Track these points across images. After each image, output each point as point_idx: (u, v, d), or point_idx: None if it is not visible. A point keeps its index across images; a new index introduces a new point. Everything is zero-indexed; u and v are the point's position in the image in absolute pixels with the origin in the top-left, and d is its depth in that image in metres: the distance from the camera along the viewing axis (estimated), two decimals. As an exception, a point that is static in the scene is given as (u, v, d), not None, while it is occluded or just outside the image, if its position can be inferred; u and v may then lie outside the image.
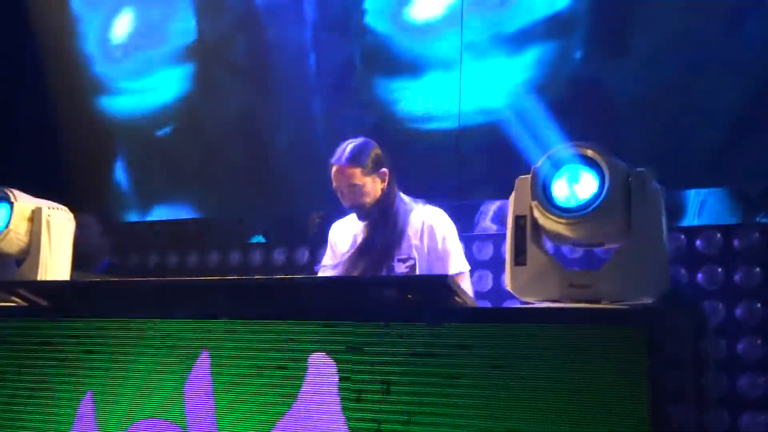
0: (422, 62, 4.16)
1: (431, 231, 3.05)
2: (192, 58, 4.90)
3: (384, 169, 3.09)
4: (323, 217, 4.05)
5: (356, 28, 4.37)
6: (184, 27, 4.94)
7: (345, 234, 3.25)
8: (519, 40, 3.89)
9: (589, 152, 1.99)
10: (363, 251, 3.10)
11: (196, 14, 4.93)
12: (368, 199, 3.06)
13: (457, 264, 3.07)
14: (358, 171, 3.05)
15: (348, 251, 3.18)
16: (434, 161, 3.67)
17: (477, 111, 3.96)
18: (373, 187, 3.06)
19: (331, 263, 3.26)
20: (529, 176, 2.04)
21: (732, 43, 3.46)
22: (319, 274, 3.31)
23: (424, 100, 3.98)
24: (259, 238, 4.42)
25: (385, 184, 3.09)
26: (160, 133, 4.94)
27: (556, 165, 2.02)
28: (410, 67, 4.16)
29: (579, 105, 3.72)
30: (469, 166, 3.92)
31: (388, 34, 4.28)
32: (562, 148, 2.02)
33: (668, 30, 3.58)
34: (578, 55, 3.78)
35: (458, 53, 4.01)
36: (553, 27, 3.84)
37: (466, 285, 3.10)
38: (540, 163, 2.03)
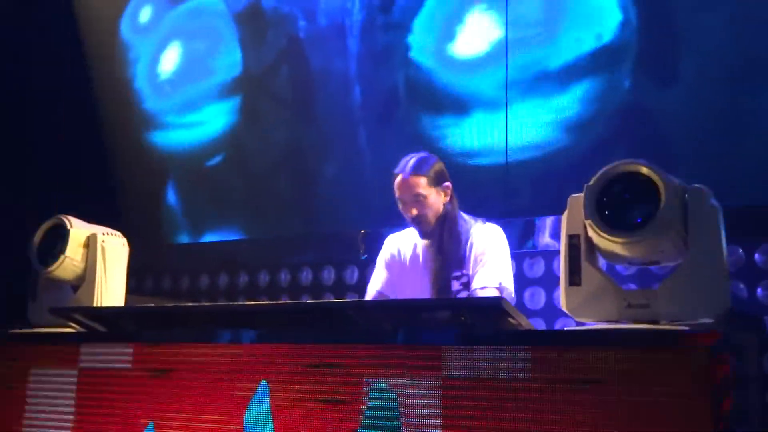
0: (467, 99, 4.15)
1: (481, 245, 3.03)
2: (238, 91, 4.97)
3: (447, 183, 3.07)
4: (369, 233, 4.06)
5: (400, 61, 4.39)
6: (229, 60, 5.01)
7: (406, 244, 3.22)
8: (565, 75, 3.86)
9: (644, 169, 1.95)
10: (426, 267, 3.07)
11: (241, 47, 4.99)
12: (431, 212, 3.03)
13: (484, 278, 2.98)
14: (422, 181, 3.03)
15: (409, 263, 3.15)
16: (482, 194, 3.65)
17: (524, 146, 3.94)
18: (436, 199, 3.04)
19: (384, 277, 3.23)
20: (581, 194, 2.01)
21: None
22: (370, 293, 3.28)
23: (470, 136, 3.95)
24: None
25: (448, 198, 3.07)
26: (209, 163, 5.01)
27: (609, 183, 1.98)
28: (455, 105, 4.15)
29: (628, 135, 3.68)
30: (517, 198, 3.89)
31: (432, 69, 4.28)
32: (616, 165, 1.99)
33: (715, 54, 3.52)
34: (626, 85, 3.74)
35: (503, 90, 4.00)
36: (599, 60, 3.80)
37: None
38: (593, 180, 1.99)
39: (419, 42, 4.36)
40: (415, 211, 3.03)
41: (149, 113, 5.32)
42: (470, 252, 3.01)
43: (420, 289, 3.06)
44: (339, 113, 4.59)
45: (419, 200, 3.01)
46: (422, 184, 3.02)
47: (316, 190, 4.62)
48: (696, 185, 1.94)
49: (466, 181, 3.18)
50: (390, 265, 3.22)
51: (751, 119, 3.42)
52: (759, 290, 3.10)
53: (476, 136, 4.07)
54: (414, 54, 4.37)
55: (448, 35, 4.26)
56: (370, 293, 3.27)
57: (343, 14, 4.62)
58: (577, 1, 3.93)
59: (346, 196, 4.45)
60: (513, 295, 3.04)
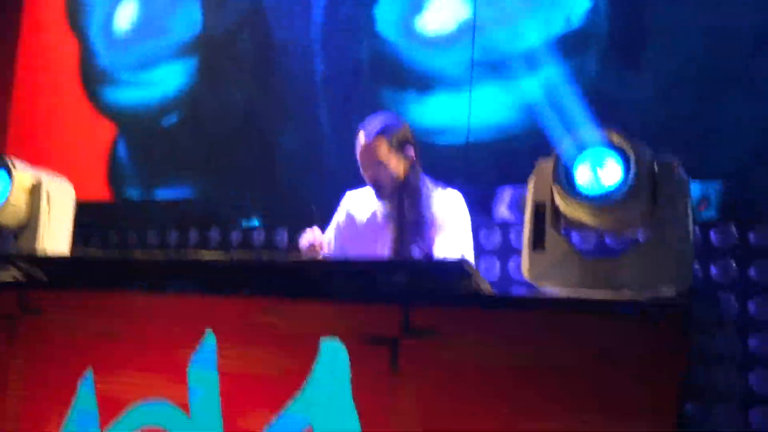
0: (431, 77, 4.08)
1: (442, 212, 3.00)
2: (196, 51, 4.84)
3: (411, 149, 3.02)
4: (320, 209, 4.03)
5: (365, 34, 4.30)
6: (188, 20, 4.87)
7: (364, 204, 3.16)
8: (531, 58, 3.82)
9: (615, 137, 1.92)
10: (384, 230, 3.02)
11: (201, 7, 4.85)
12: (390, 178, 2.98)
13: (444, 245, 2.93)
14: (384, 144, 2.97)
15: (366, 223, 3.10)
16: (441, 174, 3.60)
17: (486, 127, 3.90)
18: (397, 165, 2.98)
19: (330, 241, 3.18)
20: (550, 160, 1.97)
21: (750, 66, 3.39)
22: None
23: (431, 114, 3.89)
24: (254, 222, 4.35)
25: (410, 164, 3.01)
26: (163, 122, 4.88)
27: (580, 148, 1.94)
28: (418, 82, 4.08)
29: (593, 121, 3.65)
30: (477, 181, 3.85)
31: (398, 44, 4.20)
32: (587, 132, 1.95)
33: (683, 43, 3.51)
34: (592, 71, 3.71)
35: (468, 70, 3.94)
36: (567, 45, 3.76)
37: None
38: (563, 146, 1.95)
39: (385, 15, 4.28)
40: (373, 175, 2.98)
41: (102, 68, 5.15)
42: (430, 218, 2.98)
43: (374, 250, 3.02)
44: (300, 83, 4.49)
45: (380, 164, 2.96)
46: (383, 148, 2.96)
47: (273, 159, 4.53)
48: (666, 155, 1.91)
49: (425, 159, 3.13)
50: (343, 226, 3.17)
51: (716, 107, 3.42)
52: (713, 269, 3.12)
53: (438, 114, 4.02)
54: (379, 27, 4.29)
55: (415, 10, 4.19)
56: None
57: (309, -18, 4.51)
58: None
59: (304, 164, 4.38)
60: (472, 262, 3.02)
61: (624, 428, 1.58)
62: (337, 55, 4.39)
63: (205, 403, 1.96)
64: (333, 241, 3.18)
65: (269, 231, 4.26)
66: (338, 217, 3.21)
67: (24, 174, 2.75)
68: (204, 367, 1.97)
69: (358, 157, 3.01)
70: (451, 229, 2.95)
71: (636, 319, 1.64)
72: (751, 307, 3.03)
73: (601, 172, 1.91)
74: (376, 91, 4.23)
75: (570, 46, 3.75)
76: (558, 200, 1.96)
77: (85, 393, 2.12)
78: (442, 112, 4.01)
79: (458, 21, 4.04)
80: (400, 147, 2.99)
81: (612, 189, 1.88)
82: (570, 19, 3.77)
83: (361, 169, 3.02)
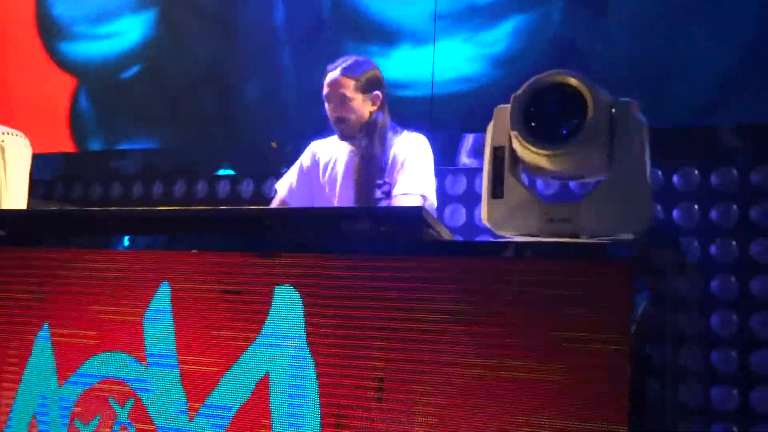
0: (394, 30, 4.02)
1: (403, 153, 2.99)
2: (155, 2, 4.71)
3: (377, 92, 3.03)
4: (280, 144, 4.02)
5: None
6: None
7: (328, 151, 3.15)
8: (496, 8, 3.77)
9: (573, 80, 1.89)
10: (348, 174, 3.02)
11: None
12: (353, 117, 2.99)
13: (406, 185, 2.94)
14: (351, 83, 3.00)
15: (330, 171, 3.09)
16: (405, 126, 3.58)
17: (451, 80, 3.85)
18: (362, 105, 3.00)
19: (291, 185, 3.17)
20: (508, 106, 1.94)
21: (715, 7, 3.36)
22: (279, 191, 3.23)
23: (395, 68, 3.84)
24: (228, 171, 4.31)
25: (376, 108, 3.02)
26: (124, 74, 4.78)
27: (538, 93, 1.92)
28: (381, 35, 4.02)
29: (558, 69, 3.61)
30: (443, 130, 3.82)
31: None
32: (544, 76, 1.93)
33: None
34: (557, 19, 3.67)
35: (431, 23, 3.88)
36: None
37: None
38: (520, 90, 1.93)
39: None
40: (337, 112, 2.97)
41: (59, 21, 5.01)
42: (393, 159, 2.97)
43: (338, 197, 3.02)
44: (262, 32, 4.43)
45: (344, 102, 2.98)
46: (350, 86, 2.98)
47: (238, 108, 4.47)
48: (623, 99, 1.89)
49: (389, 112, 3.11)
50: (306, 172, 3.18)
51: (683, 49, 3.41)
52: (675, 212, 3.14)
53: (402, 67, 3.97)
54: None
55: None
56: (275, 200, 3.23)
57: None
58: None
59: (267, 114, 4.33)
60: (435, 205, 3.02)
61: (578, 371, 1.59)
62: (299, 3, 4.31)
63: (162, 354, 1.95)
64: (294, 183, 3.18)
65: (234, 182, 4.22)
66: (303, 160, 3.20)
67: (-24, 128, 2.69)
68: (159, 318, 1.96)
69: (324, 93, 3.01)
70: (412, 168, 2.95)
71: (585, 262, 1.63)
72: (713, 250, 3.06)
73: (558, 115, 1.89)
74: (338, 42, 4.17)
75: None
76: (516, 145, 1.94)
77: (42, 347, 2.10)
78: (406, 66, 3.96)
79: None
80: (366, 88, 3.01)
81: (568, 132, 1.86)
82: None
83: (326, 106, 3.02)
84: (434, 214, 3.06)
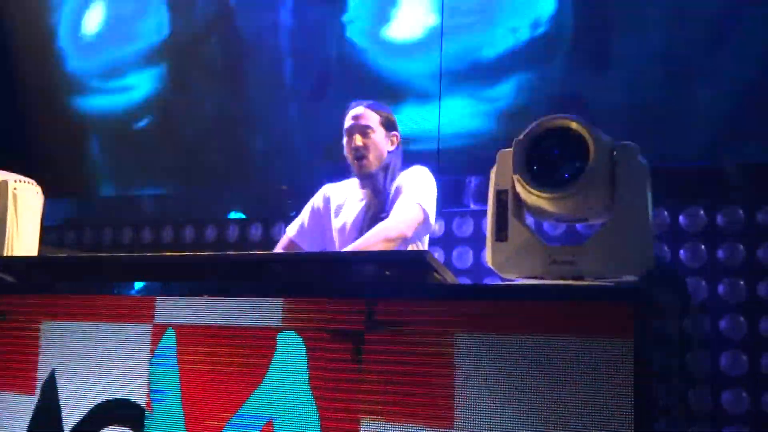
0: (400, 87, 4.08)
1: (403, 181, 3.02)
2: (165, 57, 4.81)
3: (395, 133, 3.08)
4: (290, 188, 4.05)
5: (333, 39, 4.28)
6: (156, 23, 4.83)
7: (339, 194, 3.18)
8: (500, 65, 3.82)
9: (574, 125, 1.92)
10: (358, 218, 3.04)
11: (169, 10, 4.81)
12: (374, 150, 3.03)
13: (404, 199, 2.91)
14: (375, 117, 3.07)
15: (341, 213, 3.12)
16: None
17: (456, 134, 3.89)
18: (383, 140, 3.07)
19: (302, 225, 3.19)
20: (511, 150, 1.97)
21: (713, 53, 3.41)
22: (288, 232, 3.24)
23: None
24: (239, 214, 4.34)
25: (393, 147, 3.07)
26: (136, 125, 4.85)
27: (539, 137, 1.94)
28: (388, 92, 4.07)
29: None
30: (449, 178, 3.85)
31: (366, 50, 4.20)
32: (546, 120, 1.95)
33: (650, 42, 3.53)
34: (561, 74, 3.72)
35: (437, 79, 3.94)
36: (534, 50, 3.77)
37: (412, 224, 2.89)
38: (522, 135, 1.95)
39: (353, 20, 4.26)
40: (360, 141, 3.02)
41: (72, 75, 5.10)
42: (395, 190, 3.01)
43: (348, 239, 3.03)
44: (270, 86, 4.49)
45: (366, 132, 3.03)
46: (375, 120, 3.06)
47: (246, 161, 4.52)
48: (624, 142, 1.91)
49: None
50: (317, 213, 3.19)
51: (682, 97, 3.44)
52: (682, 252, 3.14)
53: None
54: (348, 33, 4.27)
55: (383, 17, 4.18)
56: (282, 240, 3.25)
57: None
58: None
59: (276, 163, 4.37)
60: (434, 224, 3.02)
61: (582, 412, 1.59)
62: (306, 59, 4.38)
63: (167, 401, 1.95)
64: (306, 222, 3.19)
65: (243, 226, 4.25)
66: (315, 201, 3.23)
67: (-12, 176, 2.74)
68: (165, 364, 1.97)
69: (345, 127, 3.06)
70: (410, 187, 2.96)
71: (586, 304, 1.64)
72: (721, 289, 3.05)
73: (560, 159, 1.92)
74: (345, 97, 4.22)
75: (538, 51, 3.75)
76: (518, 188, 1.96)
77: (49, 394, 2.11)
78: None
79: (425, 28, 4.03)
80: (387, 125, 3.09)
81: (570, 176, 1.88)
82: (537, 24, 3.77)
83: (345, 142, 3.06)
84: (431, 231, 3.07)
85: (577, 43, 3.71)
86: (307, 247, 3.17)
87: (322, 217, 3.18)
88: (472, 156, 3.80)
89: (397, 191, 2.98)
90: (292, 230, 3.24)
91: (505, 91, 3.81)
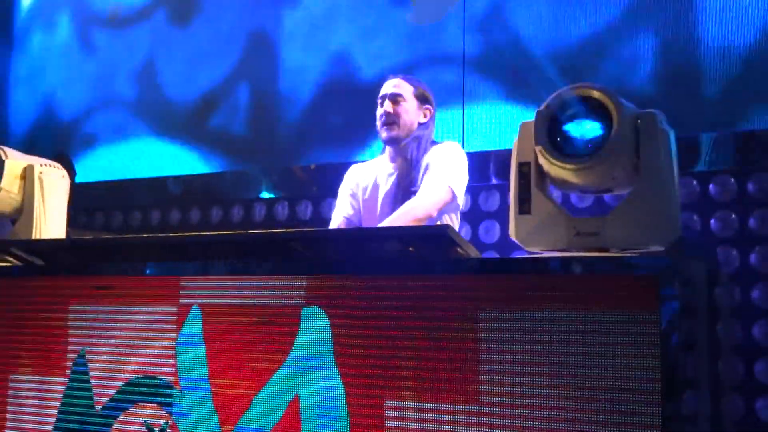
0: None
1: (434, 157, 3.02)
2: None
3: (429, 107, 3.07)
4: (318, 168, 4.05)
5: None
6: None
7: (368, 174, 3.18)
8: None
9: (596, 93, 1.88)
10: (388, 194, 3.05)
11: None
12: (405, 118, 3.04)
13: (433, 178, 2.92)
14: (409, 88, 3.09)
15: (369, 192, 3.11)
16: None
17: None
18: (414, 111, 3.08)
19: (350, 204, 3.18)
20: (532, 120, 1.94)
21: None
22: (337, 220, 3.23)
23: None
24: (269, 194, 4.33)
25: (425, 120, 3.06)
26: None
27: (561, 107, 1.91)
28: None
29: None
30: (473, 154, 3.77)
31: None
32: (567, 90, 1.92)
33: None
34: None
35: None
36: None
37: (440, 204, 2.92)
38: (544, 105, 1.92)
39: None
40: (390, 107, 3.04)
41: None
42: (425, 167, 3.00)
43: (381, 215, 3.04)
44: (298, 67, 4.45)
45: (397, 100, 3.05)
46: (408, 90, 3.08)
47: (277, 131, 4.50)
48: (648, 110, 1.88)
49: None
50: (353, 194, 3.19)
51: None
52: (713, 222, 3.09)
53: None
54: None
55: None
56: (337, 220, 3.22)
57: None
58: None
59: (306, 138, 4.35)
60: (461, 205, 3.01)
61: (609, 383, 1.57)
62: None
63: (194, 378, 1.97)
64: (349, 211, 3.18)
65: (270, 205, 4.26)
66: (347, 186, 3.22)
67: (15, 161, 2.76)
68: (191, 343, 1.99)
69: (380, 94, 3.10)
70: (439, 165, 2.96)
71: (612, 276, 1.62)
72: (753, 259, 3.00)
73: (582, 129, 1.88)
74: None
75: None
76: (541, 160, 1.93)
77: (79, 373, 2.15)
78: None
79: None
80: (421, 98, 3.10)
81: (594, 146, 1.85)
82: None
83: (377, 110, 3.08)
84: (460, 210, 3.07)
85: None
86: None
87: (357, 199, 3.18)
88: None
89: (427, 167, 2.97)
90: (343, 210, 3.20)
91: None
